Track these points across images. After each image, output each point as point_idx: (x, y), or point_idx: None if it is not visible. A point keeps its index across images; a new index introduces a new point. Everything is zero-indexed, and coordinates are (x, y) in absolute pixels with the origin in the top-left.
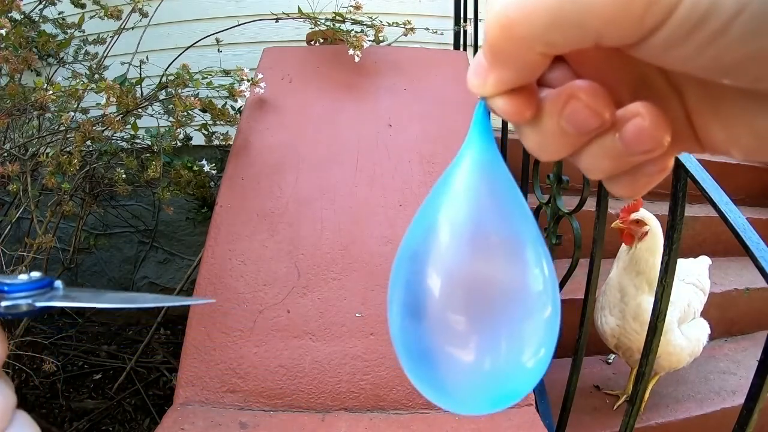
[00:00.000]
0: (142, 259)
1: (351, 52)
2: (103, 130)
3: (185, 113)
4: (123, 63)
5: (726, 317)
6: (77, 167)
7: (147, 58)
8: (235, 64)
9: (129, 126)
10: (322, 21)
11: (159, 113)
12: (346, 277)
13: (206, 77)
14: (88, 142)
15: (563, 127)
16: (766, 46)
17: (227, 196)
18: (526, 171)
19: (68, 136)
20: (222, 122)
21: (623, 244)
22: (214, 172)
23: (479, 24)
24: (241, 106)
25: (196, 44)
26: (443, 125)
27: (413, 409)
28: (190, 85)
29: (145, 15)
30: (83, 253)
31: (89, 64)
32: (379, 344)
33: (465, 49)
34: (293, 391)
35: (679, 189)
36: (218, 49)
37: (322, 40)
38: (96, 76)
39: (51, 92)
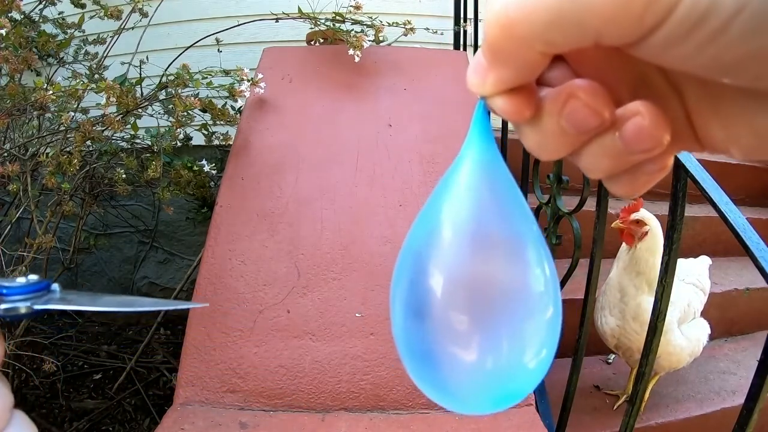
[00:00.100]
0: (142, 259)
1: (351, 52)
2: (103, 130)
3: (185, 113)
4: (123, 63)
5: (726, 317)
6: (77, 167)
7: (147, 58)
8: (235, 64)
9: (129, 126)
10: (322, 21)
11: (159, 113)
12: (346, 277)
13: (206, 77)
14: (88, 142)
15: (563, 126)
16: (766, 45)
17: (227, 196)
18: (526, 171)
19: (68, 136)
20: (222, 122)
21: (623, 244)
22: (214, 172)
23: (479, 24)
24: (241, 106)
25: (196, 44)
26: (443, 125)
27: (413, 409)
28: (190, 85)
29: (145, 15)
30: (83, 253)
31: (89, 64)
32: (379, 344)
33: (465, 49)
34: (293, 391)
35: (679, 189)
36: (218, 49)
37: (322, 40)
38: (96, 76)
39: (51, 92)
